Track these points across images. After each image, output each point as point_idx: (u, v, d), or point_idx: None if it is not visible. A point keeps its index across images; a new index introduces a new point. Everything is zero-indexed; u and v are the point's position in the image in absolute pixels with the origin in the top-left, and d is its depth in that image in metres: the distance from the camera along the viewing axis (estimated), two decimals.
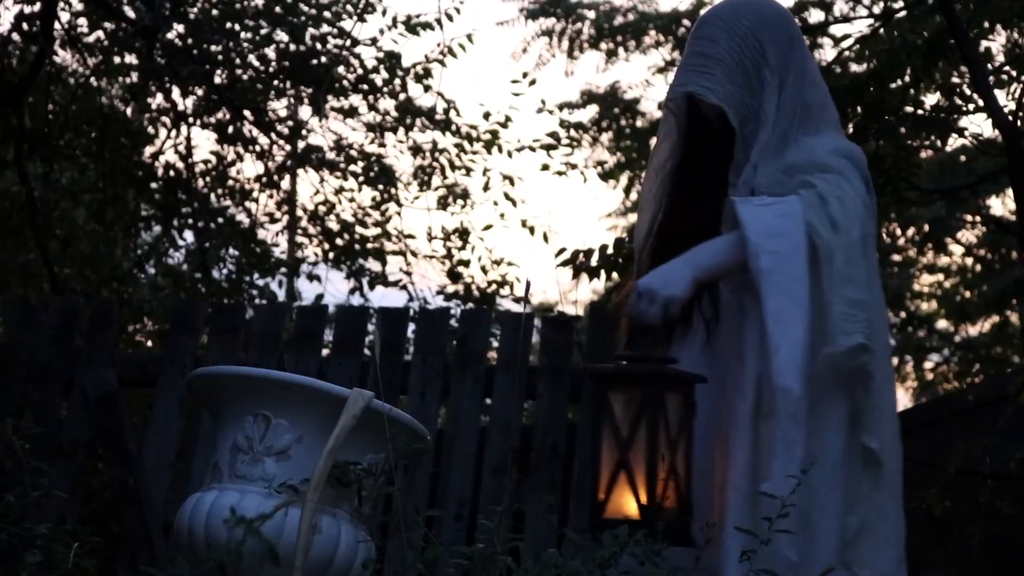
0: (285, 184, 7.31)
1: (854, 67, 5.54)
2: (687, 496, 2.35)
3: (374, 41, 6.72)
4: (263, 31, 6.63)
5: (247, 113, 6.77)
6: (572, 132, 7.37)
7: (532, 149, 6.98)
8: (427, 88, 6.83)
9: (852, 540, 2.36)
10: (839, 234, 2.39)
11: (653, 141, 2.79)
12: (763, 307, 2.35)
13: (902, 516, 2.48)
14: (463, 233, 6.97)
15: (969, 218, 9.40)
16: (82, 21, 6.61)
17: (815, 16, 6.84)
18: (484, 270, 6.92)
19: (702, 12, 2.67)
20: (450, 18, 6.50)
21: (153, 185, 6.83)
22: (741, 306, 2.44)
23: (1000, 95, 4.41)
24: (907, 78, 4.45)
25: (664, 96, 2.72)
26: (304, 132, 6.98)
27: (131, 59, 6.82)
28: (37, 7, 5.99)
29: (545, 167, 6.98)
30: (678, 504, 2.33)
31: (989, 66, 4.58)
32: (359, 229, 7.16)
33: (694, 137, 2.63)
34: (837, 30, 6.69)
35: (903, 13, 4.83)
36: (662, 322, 2.36)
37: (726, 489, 2.35)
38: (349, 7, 6.74)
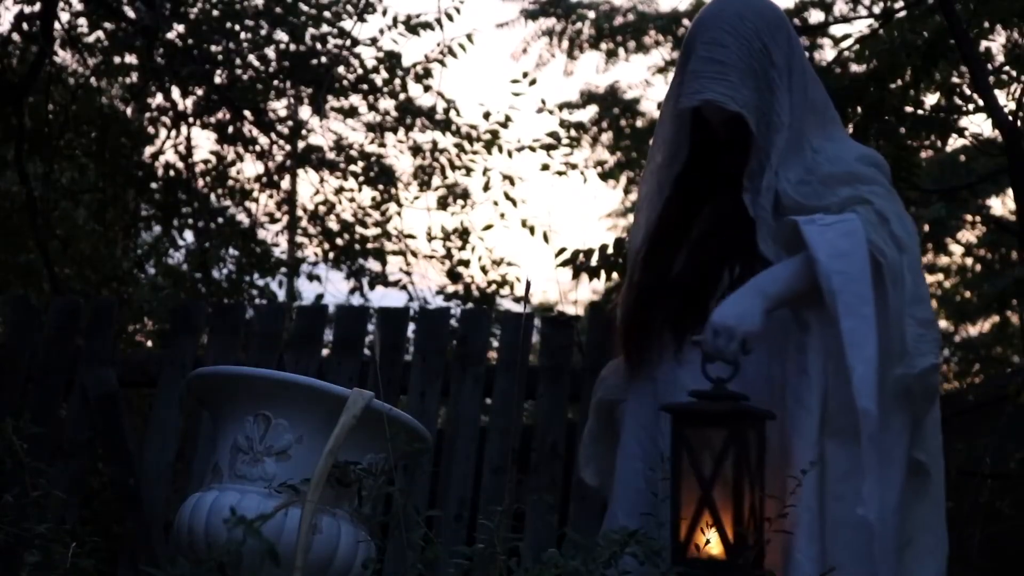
0: (285, 184, 7.32)
1: (854, 67, 5.54)
2: (762, 534, 2.31)
3: (374, 41, 6.73)
4: (263, 31, 6.64)
5: (247, 113, 6.77)
6: (572, 132, 7.37)
7: (532, 149, 6.99)
8: (427, 88, 6.84)
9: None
10: (905, 253, 2.40)
11: (652, 143, 2.77)
12: (840, 328, 2.33)
13: (945, 528, 2.49)
14: (463, 233, 6.97)
15: (969, 218, 9.40)
16: (82, 21, 6.62)
17: (815, 16, 6.84)
18: (484, 270, 6.93)
19: (699, 12, 2.64)
20: (450, 18, 6.51)
21: (153, 185, 6.83)
22: (798, 319, 2.42)
23: (1000, 95, 4.41)
24: (907, 78, 4.44)
25: (664, 99, 2.70)
26: (304, 132, 6.98)
27: (131, 59, 6.83)
28: (37, 7, 5.99)
29: (545, 167, 6.99)
30: (756, 541, 2.30)
31: (989, 66, 4.59)
32: (359, 229, 7.17)
33: (698, 142, 2.62)
34: (837, 30, 6.69)
35: (903, 13, 4.84)
36: (737, 357, 2.35)
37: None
38: (349, 7, 6.74)
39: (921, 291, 2.40)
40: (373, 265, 7.19)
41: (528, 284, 2.61)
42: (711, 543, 2.27)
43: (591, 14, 8.15)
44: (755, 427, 2.32)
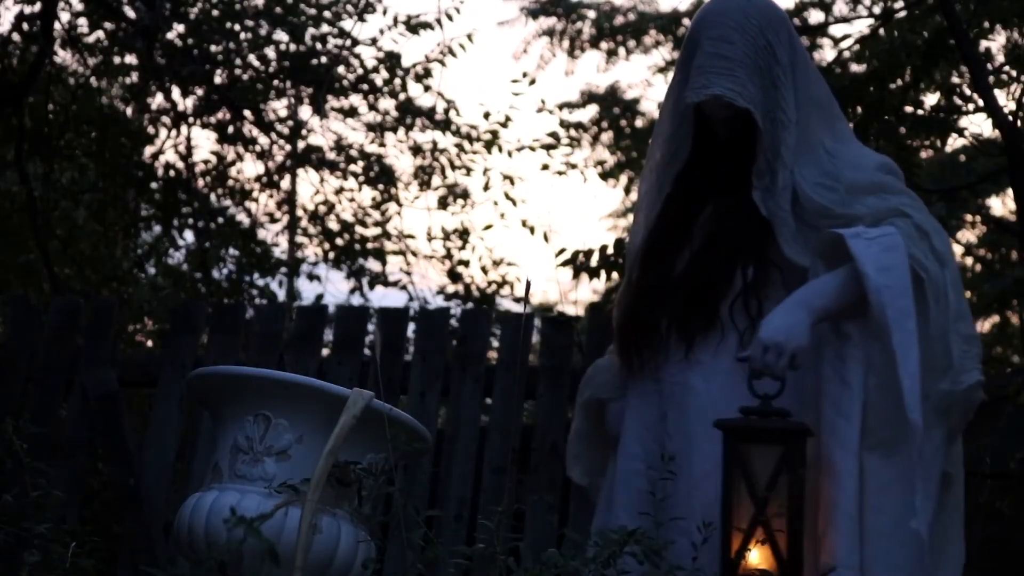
0: (285, 184, 7.32)
1: (854, 67, 5.54)
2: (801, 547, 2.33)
3: (374, 41, 6.73)
4: (263, 31, 6.64)
5: (247, 113, 6.77)
6: (572, 132, 7.37)
7: (532, 149, 6.99)
8: (427, 88, 6.84)
9: None
10: (946, 269, 2.41)
11: (651, 141, 2.76)
12: (891, 342, 2.32)
13: (963, 539, 2.50)
14: (463, 233, 6.97)
15: (969, 218, 9.40)
16: (82, 21, 6.62)
17: (815, 16, 6.84)
18: (484, 270, 6.93)
19: (701, 9, 2.63)
20: (450, 18, 6.51)
21: (153, 185, 6.83)
22: (837, 329, 2.41)
23: (1000, 95, 4.40)
24: (907, 78, 4.44)
25: (664, 97, 2.69)
26: (304, 132, 6.98)
27: (131, 59, 6.83)
28: (37, 7, 5.99)
29: (545, 167, 6.99)
30: (800, 555, 2.31)
31: (989, 66, 4.58)
32: (359, 229, 7.17)
33: (697, 141, 2.61)
34: (837, 30, 6.70)
35: (903, 13, 4.83)
36: (784, 373, 2.35)
37: (833, 512, 2.32)
38: (349, 7, 6.74)
39: (963, 307, 2.41)
40: (373, 265, 7.19)
41: (528, 284, 2.61)
42: (763, 560, 2.27)
43: (592, 13, 8.15)
44: (804, 444, 2.33)
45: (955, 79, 4.82)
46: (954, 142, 6.27)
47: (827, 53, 6.73)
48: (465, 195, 7.09)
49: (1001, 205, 9.69)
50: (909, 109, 4.63)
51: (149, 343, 6.54)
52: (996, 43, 5.17)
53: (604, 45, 8.14)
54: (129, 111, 6.99)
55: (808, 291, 2.40)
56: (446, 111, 6.91)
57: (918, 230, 2.43)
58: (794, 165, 2.49)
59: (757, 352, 2.34)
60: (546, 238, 6.68)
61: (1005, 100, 4.52)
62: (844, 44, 5.60)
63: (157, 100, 6.95)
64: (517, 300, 6.70)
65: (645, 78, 8.91)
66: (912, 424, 2.29)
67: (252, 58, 6.71)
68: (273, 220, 7.25)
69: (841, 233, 2.40)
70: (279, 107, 6.98)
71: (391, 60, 6.73)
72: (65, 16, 6.42)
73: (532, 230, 6.75)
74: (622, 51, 8.19)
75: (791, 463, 2.29)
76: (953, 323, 2.38)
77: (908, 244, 2.40)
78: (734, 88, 2.47)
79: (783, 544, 2.27)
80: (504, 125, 6.89)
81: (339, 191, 7.11)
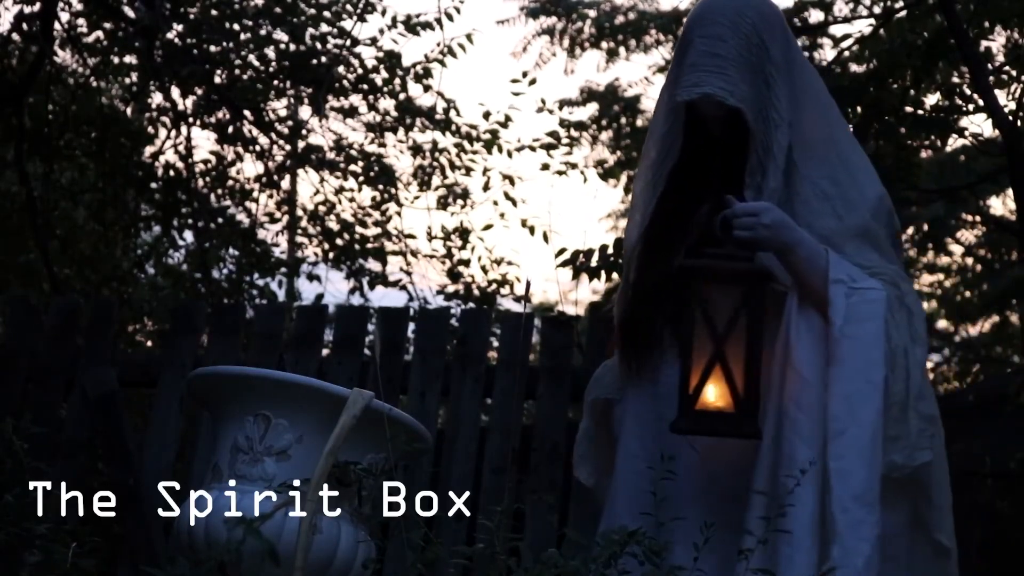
0: (285, 184, 7.31)
1: (854, 67, 5.54)
2: (758, 390, 2.38)
3: (374, 41, 6.72)
4: (263, 31, 6.63)
5: (247, 113, 6.77)
6: (572, 131, 7.36)
7: (532, 148, 6.98)
8: (427, 88, 6.84)
9: None
10: (917, 348, 2.43)
11: (646, 140, 2.75)
12: (832, 390, 2.36)
13: None
14: (463, 233, 6.97)
15: (969, 218, 9.40)
16: (82, 21, 6.61)
17: (815, 16, 6.83)
18: (484, 270, 6.92)
19: (695, 7, 2.63)
20: (450, 18, 6.50)
21: (153, 185, 6.83)
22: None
23: (1000, 95, 4.40)
24: (907, 78, 4.45)
25: (659, 95, 2.69)
26: (304, 132, 6.98)
27: (131, 59, 6.83)
28: (37, 7, 5.99)
29: (545, 167, 6.98)
30: (756, 397, 2.37)
31: (989, 66, 4.58)
32: (359, 229, 7.16)
33: (691, 139, 2.61)
34: (837, 30, 6.68)
35: (903, 13, 4.84)
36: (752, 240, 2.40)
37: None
38: (349, 7, 6.74)
39: (926, 389, 2.42)
40: (373, 265, 7.18)
41: (528, 284, 2.61)
42: (720, 396, 2.34)
43: (592, 13, 8.15)
44: (765, 289, 2.38)
45: (955, 79, 4.82)
46: (954, 142, 6.27)
47: (827, 53, 6.73)
48: (465, 195, 7.09)
49: (1001, 205, 9.70)
50: (909, 109, 4.63)
51: (149, 343, 6.54)
52: (996, 43, 5.17)
53: (604, 44, 8.14)
54: (129, 111, 6.99)
55: (806, 236, 2.43)
56: (446, 111, 6.91)
57: (903, 307, 2.45)
58: (799, 163, 2.49)
59: (740, 208, 2.40)
60: (546, 238, 6.67)
61: (1005, 100, 4.52)
62: (844, 44, 5.60)
63: (157, 100, 6.96)
64: (517, 300, 6.70)
65: (645, 77, 8.91)
66: (837, 471, 2.30)
67: (252, 58, 6.71)
68: (273, 220, 7.24)
69: (827, 273, 2.42)
70: (279, 107, 6.98)
71: (391, 60, 6.73)
72: (65, 16, 6.43)
73: (532, 230, 6.73)
74: (622, 50, 8.19)
75: (750, 304, 2.34)
76: (915, 401, 2.39)
77: (890, 309, 2.42)
78: (725, 87, 2.46)
79: (739, 382, 2.33)
80: (504, 125, 6.88)
81: (339, 191, 7.10)
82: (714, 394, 2.35)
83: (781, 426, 2.37)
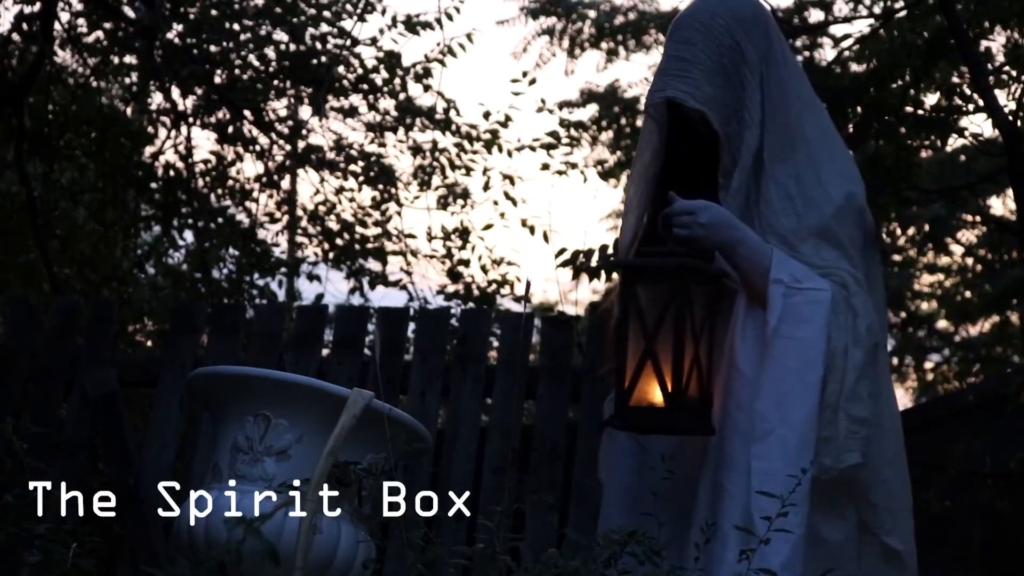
0: (285, 184, 7.31)
1: (854, 67, 5.54)
2: (709, 387, 2.41)
3: (374, 41, 6.72)
4: (263, 31, 6.63)
5: (247, 113, 6.77)
6: (572, 131, 7.36)
7: (532, 148, 6.98)
8: (427, 88, 6.83)
9: None
10: (857, 350, 2.42)
11: (638, 144, 2.78)
12: (763, 390, 2.37)
13: None
14: (463, 233, 6.96)
15: (969, 218, 9.40)
16: (82, 21, 6.61)
17: (815, 16, 6.83)
18: (484, 270, 6.92)
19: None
20: (450, 18, 6.50)
21: (153, 185, 6.82)
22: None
23: (1000, 95, 4.40)
24: (907, 78, 4.44)
25: (644, 100, 2.72)
26: (304, 132, 6.97)
27: (131, 59, 6.83)
28: (37, 7, 5.99)
29: (545, 166, 6.98)
30: (700, 393, 2.40)
31: (989, 66, 4.58)
32: (359, 229, 7.16)
33: (679, 141, 2.63)
34: (837, 30, 6.68)
35: (903, 13, 4.83)
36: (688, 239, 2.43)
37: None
38: (349, 7, 6.74)
39: (861, 391, 2.41)
40: (373, 265, 7.18)
41: (528, 284, 2.62)
42: (652, 392, 2.37)
43: (592, 13, 8.15)
44: (703, 284, 2.41)
45: (955, 79, 4.82)
46: (954, 142, 6.26)
47: (827, 53, 6.73)
48: (465, 195, 7.08)
49: (1001, 205, 9.69)
50: (909, 109, 4.63)
51: (149, 343, 6.54)
52: (996, 43, 5.17)
53: (604, 44, 8.14)
54: (129, 111, 6.99)
55: (751, 235, 2.45)
56: (446, 111, 6.90)
57: (848, 304, 2.45)
58: (767, 163, 2.51)
59: (677, 206, 2.44)
60: (546, 238, 6.66)
61: (1005, 100, 4.52)
62: (844, 44, 5.60)
63: (157, 100, 6.96)
64: (517, 300, 6.70)
65: (645, 77, 8.91)
66: (760, 471, 2.32)
67: (252, 58, 6.71)
68: (273, 220, 7.24)
69: (769, 272, 2.44)
70: (279, 107, 6.98)
71: (391, 60, 6.73)
72: (65, 16, 6.42)
73: (532, 230, 6.73)
74: (622, 50, 8.19)
75: (678, 300, 2.37)
76: (846, 403, 2.39)
77: (834, 310, 2.43)
78: (686, 89, 2.51)
79: (668, 378, 2.36)
80: (504, 125, 6.88)
81: (339, 191, 7.10)
82: (647, 390, 2.39)
83: (723, 425, 2.41)
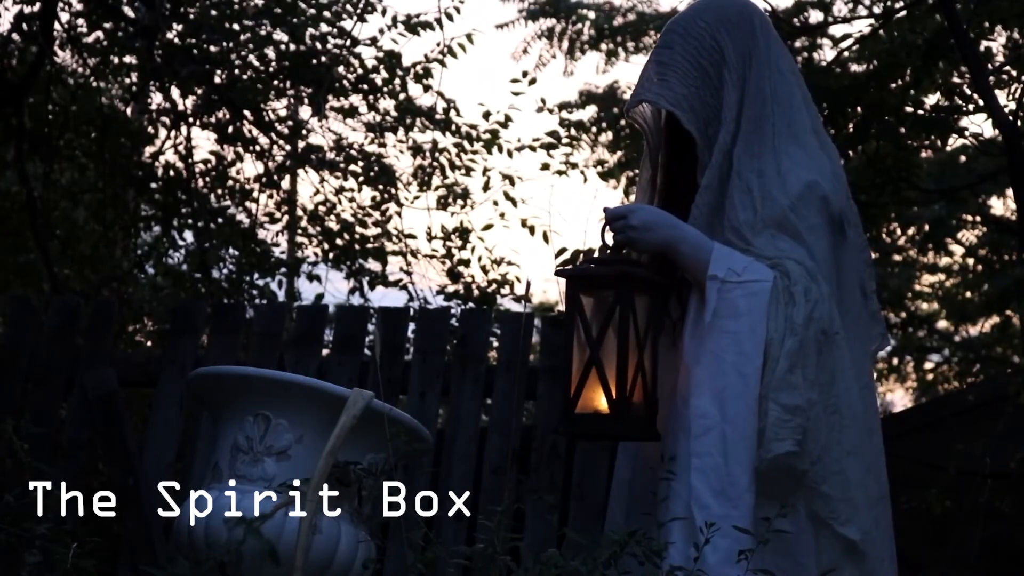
0: (285, 184, 7.31)
1: (854, 67, 5.55)
2: (653, 393, 2.44)
3: (374, 41, 6.72)
4: (263, 31, 6.63)
5: (247, 113, 6.77)
6: (572, 132, 7.36)
7: (532, 149, 6.97)
8: (427, 88, 6.83)
9: None
10: (791, 339, 2.41)
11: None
12: (700, 386, 2.39)
13: None
14: (463, 233, 6.96)
15: (969, 218, 9.41)
16: (82, 21, 6.61)
17: (815, 16, 6.84)
18: (484, 270, 6.91)
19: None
20: (450, 18, 6.50)
21: (153, 185, 6.82)
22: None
23: (1000, 95, 4.41)
24: (907, 78, 4.45)
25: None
26: (304, 132, 6.97)
27: (131, 59, 6.82)
28: (37, 7, 5.99)
29: (545, 166, 6.98)
30: (645, 399, 2.42)
31: (989, 66, 4.58)
32: (359, 229, 7.15)
33: (675, 147, 2.65)
34: (837, 30, 6.68)
35: (903, 13, 4.84)
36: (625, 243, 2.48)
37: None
38: (349, 7, 6.74)
39: (794, 379, 2.40)
40: (373, 265, 7.17)
41: (528, 284, 2.65)
42: (596, 399, 2.41)
43: (591, 14, 8.15)
44: (646, 292, 2.44)
45: (955, 79, 4.83)
46: (954, 142, 6.27)
47: (827, 53, 6.73)
48: (465, 195, 7.08)
49: (1001, 205, 9.70)
50: (909, 109, 4.63)
51: (149, 343, 6.53)
52: (996, 43, 5.17)
53: (604, 46, 8.14)
54: (129, 111, 6.99)
55: (692, 232, 2.47)
56: (446, 111, 6.90)
57: (789, 295, 2.44)
58: (736, 160, 2.53)
59: (609, 212, 2.48)
60: (546, 238, 6.66)
61: (1005, 100, 4.52)
62: (844, 44, 5.60)
63: (157, 100, 6.95)
64: (517, 300, 6.70)
65: None
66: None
67: (252, 58, 6.70)
68: (273, 220, 7.23)
69: (708, 267, 2.45)
70: (279, 107, 6.98)
71: (391, 60, 6.72)
72: (65, 16, 6.42)
73: (532, 230, 6.72)
74: (621, 52, 8.20)
75: (622, 308, 2.40)
76: (775, 392, 2.38)
77: (773, 301, 2.43)
78: (659, 92, 2.54)
79: (613, 385, 2.39)
80: (504, 125, 6.87)
81: (339, 191, 7.10)
82: (592, 397, 2.42)
83: (671, 421, 2.43)
